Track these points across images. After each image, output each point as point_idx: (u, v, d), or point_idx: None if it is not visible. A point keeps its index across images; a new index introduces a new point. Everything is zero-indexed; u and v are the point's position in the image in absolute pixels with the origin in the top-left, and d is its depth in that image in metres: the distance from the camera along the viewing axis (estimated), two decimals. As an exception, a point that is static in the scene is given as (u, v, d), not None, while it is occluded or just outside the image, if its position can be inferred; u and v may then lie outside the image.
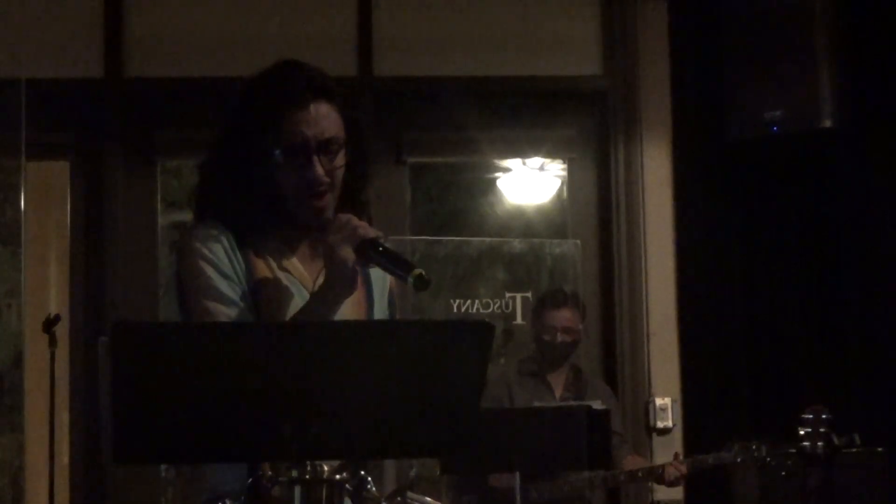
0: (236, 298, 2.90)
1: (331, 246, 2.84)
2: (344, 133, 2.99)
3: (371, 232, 2.83)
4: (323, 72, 3.04)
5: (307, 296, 2.95)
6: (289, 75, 3.00)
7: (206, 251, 2.93)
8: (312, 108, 2.95)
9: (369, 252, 2.81)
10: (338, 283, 2.84)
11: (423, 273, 2.72)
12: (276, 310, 2.93)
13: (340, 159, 2.97)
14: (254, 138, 2.96)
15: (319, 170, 2.93)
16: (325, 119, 2.96)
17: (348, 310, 2.94)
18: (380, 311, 3.10)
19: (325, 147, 2.94)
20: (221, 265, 2.92)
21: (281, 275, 2.97)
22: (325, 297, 2.86)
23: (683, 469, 6.00)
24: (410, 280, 2.72)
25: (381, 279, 3.10)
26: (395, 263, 2.80)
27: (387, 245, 2.83)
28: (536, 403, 6.00)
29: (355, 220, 2.86)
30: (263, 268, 2.97)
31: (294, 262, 3.01)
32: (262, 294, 2.94)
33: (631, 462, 6.18)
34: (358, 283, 2.92)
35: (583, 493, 6.07)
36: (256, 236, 2.98)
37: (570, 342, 6.27)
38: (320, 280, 2.95)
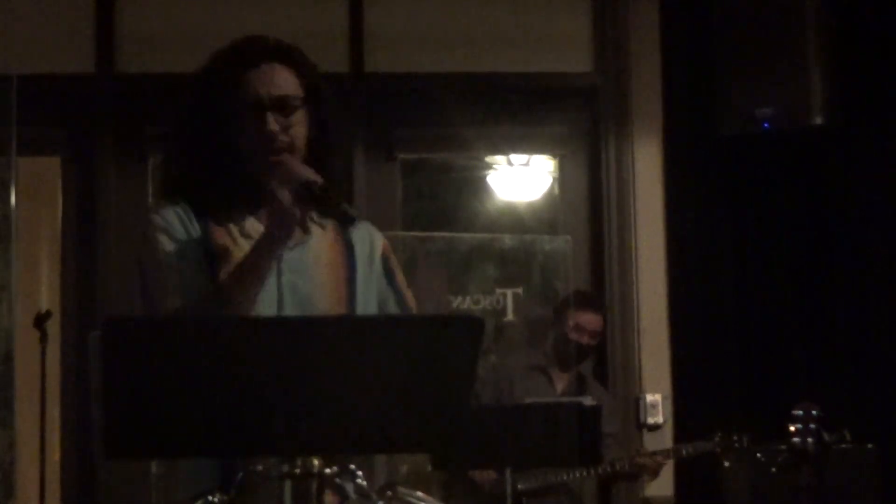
0: (186, 260, 2.93)
1: (270, 189, 2.86)
2: (302, 94, 3.01)
3: (311, 175, 2.85)
4: (283, 41, 3.09)
5: (273, 263, 2.95)
6: (245, 42, 3.07)
7: (159, 220, 2.98)
8: (266, 67, 3.00)
9: (306, 195, 2.82)
10: (275, 226, 2.86)
11: (347, 209, 2.81)
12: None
13: (299, 119, 3.00)
14: (210, 103, 3.01)
15: (273, 125, 2.95)
16: (278, 78, 3.00)
17: (324, 272, 3.00)
18: (363, 277, 3.09)
19: (279, 104, 2.98)
20: (174, 231, 2.96)
21: (243, 241, 2.98)
22: (264, 241, 2.88)
23: (660, 459, 6.04)
24: (337, 217, 2.83)
25: (367, 244, 3.11)
26: (326, 203, 2.83)
27: (325, 188, 2.83)
28: (528, 399, 6.01)
29: (293, 162, 2.90)
30: (224, 236, 2.98)
31: (256, 226, 3.00)
32: (220, 265, 2.94)
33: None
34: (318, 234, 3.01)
35: (568, 485, 6.09)
36: (217, 205, 3.00)
37: (593, 346, 6.32)
38: (291, 241, 2.98)
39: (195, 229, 2.97)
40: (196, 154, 3.03)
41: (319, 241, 3.07)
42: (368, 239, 3.12)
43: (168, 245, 2.94)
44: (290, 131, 2.98)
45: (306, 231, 3.03)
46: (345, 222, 2.87)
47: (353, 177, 6.56)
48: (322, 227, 3.08)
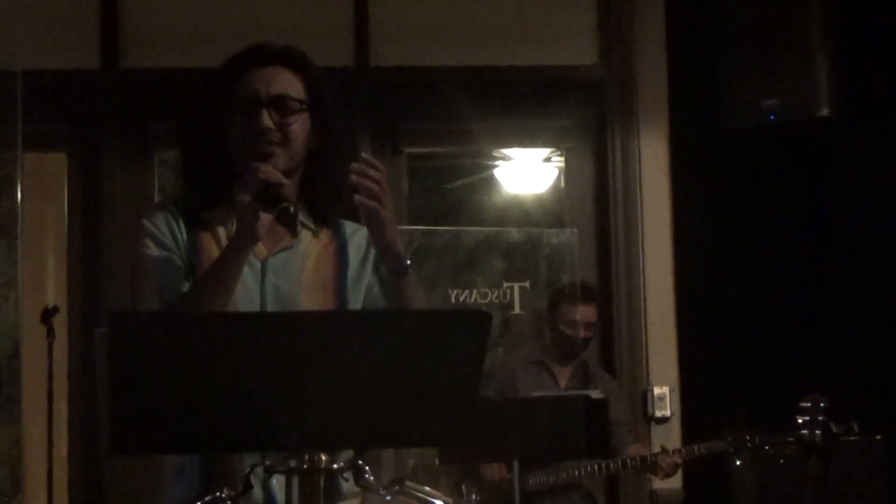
0: (169, 265, 2.94)
1: (233, 192, 2.86)
2: (304, 97, 3.00)
3: (272, 177, 2.83)
4: (291, 46, 3.07)
5: (257, 266, 2.96)
6: (252, 47, 3.05)
7: (148, 224, 2.99)
8: (269, 69, 2.99)
9: (266, 197, 2.81)
10: (236, 230, 2.86)
11: (289, 207, 2.79)
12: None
13: (297, 120, 2.98)
14: (210, 102, 3.01)
15: (267, 120, 2.94)
16: (280, 79, 2.99)
17: (310, 276, 2.98)
18: (352, 283, 3.07)
19: (277, 102, 2.97)
20: (160, 235, 2.97)
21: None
22: (230, 243, 2.89)
23: (677, 459, 6.01)
24: (275, 214, 2.79)
25: (362, 250, 3.10)
26: (274, 202, 2.81)
27: (280, 188, 2.83)
28: (535, 393, 6.01)
29: (260, 166, 2.86)
30: (210, 240, 2.98)
31: None
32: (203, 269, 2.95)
33: (634, 452, 6.19)
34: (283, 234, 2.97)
35: (580, 482, 6.09)
36: (209, 212, 3.00)
37: (588, 338, 6.30)
38: (276, 247, 3.00)
39: (182, 234, 2.98)
40: (191, 155, 3.05)
41: (309, 245, 3.06)
42: (365, 245, 3.10)
43: (153, 250, 2.95)
44: (285, 129, 2.96)
45: (294, 235, 3.02)
46: (284, 221, 2.83)
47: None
48: (314, 232, 3.08)
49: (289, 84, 2.99)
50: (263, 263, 2.98)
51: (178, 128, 3.13)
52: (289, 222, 2.85)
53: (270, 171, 2.85)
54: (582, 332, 6.27)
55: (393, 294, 3.01)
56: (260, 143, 2.94)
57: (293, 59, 3.03)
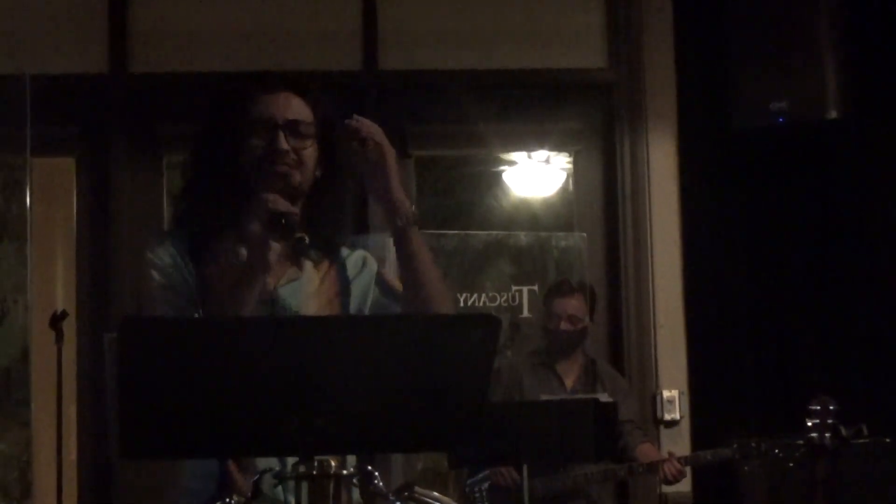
0: (175, 294, 2.94)
1: (243, 222, 2.86)
2: (314, 124, 3.01)
3: (281, 206, 2.84)
4: (303, 75, 3.10)
5: (266, 298, 2.96)
6: (263, 72, 3.09)
7: (153, 257, 2.98)
8: (282, 95, 3.00)
9: (277, 227, 2.82)
10: (248, 260, 2.86)
11: (304, 237, 2.85)
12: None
13: (309, 145, 2.99)
14: (221, 123, 3.01)
15: (283, 143, 2.95)
16: (292, 104, 3.00)
17: (315, 305, 2.99)
18: (357, 295, 3.09)
19: (293, 127, 2.97)
20: (166, 267, 2.96)
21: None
22: (242, 272, 2.88)
23: (679, 466, 6.01)
24: (291, 244, 2.85)
25: (365, 278, 3.11)
26: (287, 232, 2.83)
27: (291, 218, 2.83)
28: (544, 396, 6.00)
29: (269, 196, 2.86)
30: (219, 272, 2.96)
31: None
32: (210, 297, 2.95)
33: (643, 451, 6.18)
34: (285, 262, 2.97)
35: (587, 489, 6.08)
36: (217, 241, 2.98)
37: (574, 331, 6.24)
38: (283, 279, 3.00)
39: (189, 266, 2.97)
40: (200, 180, 3.04)
41: (312, 276, 3.07)
42: (361, 262, 3.12)
43: (158, 282, 2.95)
44: (300, 152, 2.97)
45: (300, 267, 3.03)
46: (299, 252, 2.88)
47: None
48: (316, 262, 3.08)
49: (301, 111, 3.00)
50: (272, 293, 2.98)
51: (188, 154, 3.11)
52: (304, 252, 2.90)
53: (279, 201, 2.85)
54: (563, 325, 6.23)
55: (400, 254, 3.02)
56: (276, 163, 2.94)
57: (303, 87, 3.04)
